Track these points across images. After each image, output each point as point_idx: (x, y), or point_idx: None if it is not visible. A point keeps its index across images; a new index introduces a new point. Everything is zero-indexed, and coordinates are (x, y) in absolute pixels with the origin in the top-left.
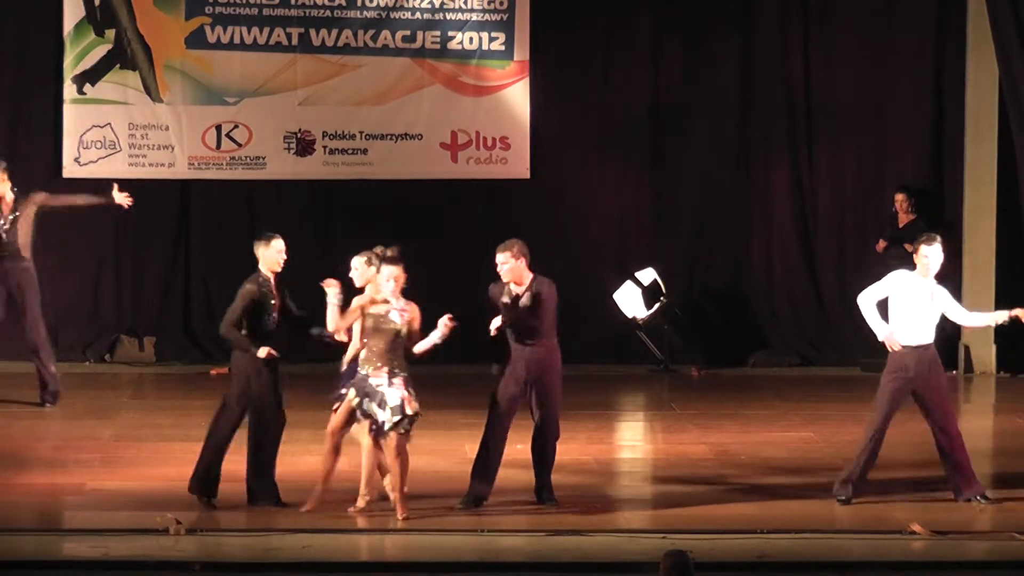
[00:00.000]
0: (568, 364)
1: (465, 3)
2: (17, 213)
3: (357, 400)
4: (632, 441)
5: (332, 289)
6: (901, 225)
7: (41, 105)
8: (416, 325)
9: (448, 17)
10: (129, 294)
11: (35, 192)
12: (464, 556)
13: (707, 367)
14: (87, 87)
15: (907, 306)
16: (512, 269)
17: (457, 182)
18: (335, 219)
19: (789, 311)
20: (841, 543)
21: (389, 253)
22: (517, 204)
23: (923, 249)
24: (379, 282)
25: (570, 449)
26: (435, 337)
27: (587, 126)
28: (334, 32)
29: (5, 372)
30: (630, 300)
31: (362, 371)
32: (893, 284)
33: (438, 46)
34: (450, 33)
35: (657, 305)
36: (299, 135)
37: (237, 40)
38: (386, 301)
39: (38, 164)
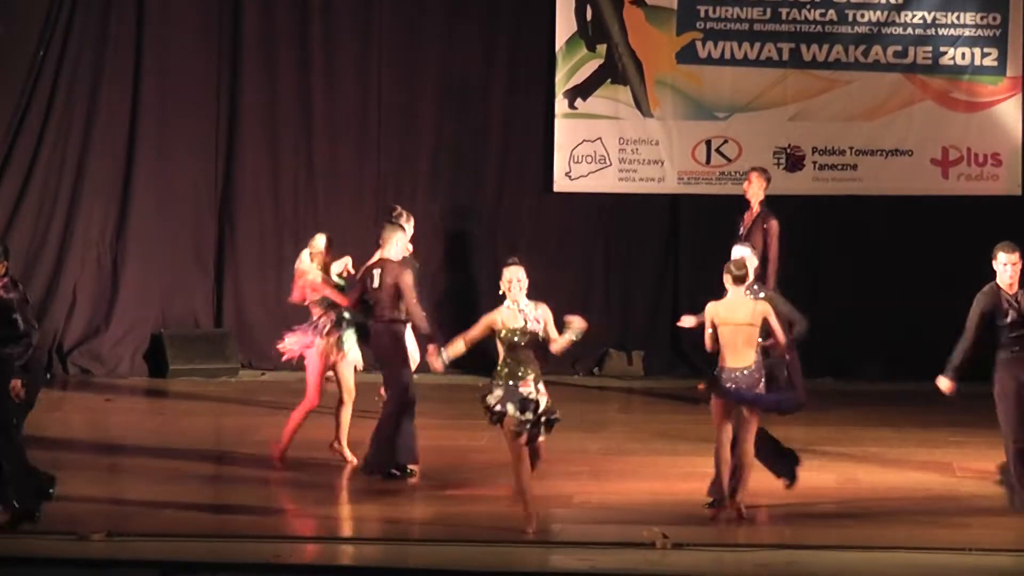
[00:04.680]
0: None
1: (957, 19)
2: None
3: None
4: None
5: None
6: None
7: (532, 119)
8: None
9: (940, 33)
10: (618, 308)
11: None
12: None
13: None
14: (578, 101)
15: None
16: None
17: (945, 199)
18: (822, 235)
19: None
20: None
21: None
22: (1006, 221)
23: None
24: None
25: None
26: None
27: None
28: (825, 48)
29: None
30: None
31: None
32: None
33: (929, 62)
34: (942, 49)
35: None
36: (788, 150)
37: (728, 55)
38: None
39: (529, 178)
